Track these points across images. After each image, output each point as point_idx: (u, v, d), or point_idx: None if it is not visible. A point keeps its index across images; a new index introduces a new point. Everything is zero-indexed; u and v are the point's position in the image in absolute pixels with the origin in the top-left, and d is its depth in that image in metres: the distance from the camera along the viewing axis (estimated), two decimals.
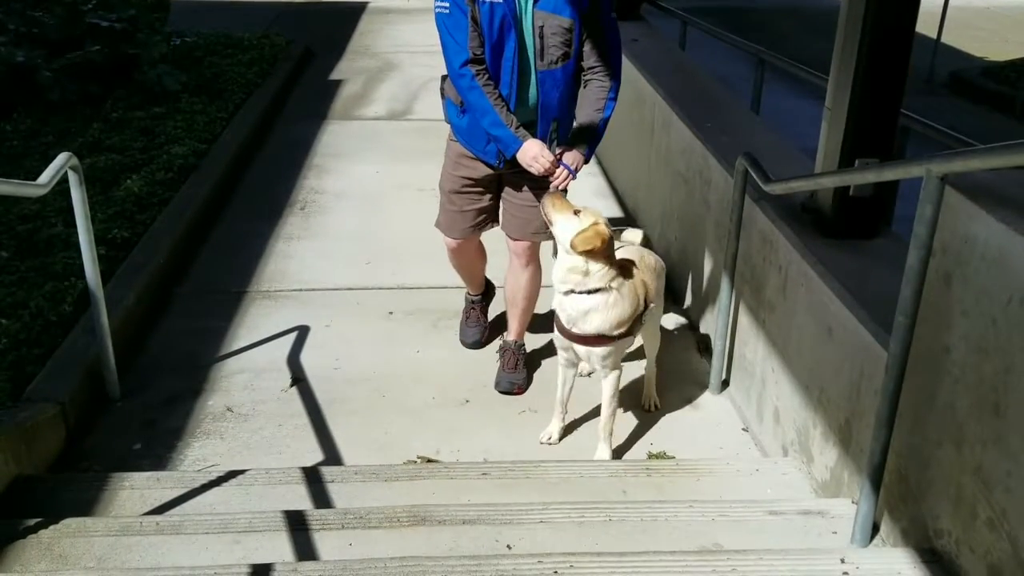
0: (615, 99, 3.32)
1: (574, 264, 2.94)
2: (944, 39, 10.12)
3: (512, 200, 3.54)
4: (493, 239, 3.79)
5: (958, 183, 2.12)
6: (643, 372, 3.65)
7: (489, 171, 3.44)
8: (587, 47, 3.24)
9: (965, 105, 9.47)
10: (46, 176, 3.10)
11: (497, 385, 3.75)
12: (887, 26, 2.87)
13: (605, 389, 3.19)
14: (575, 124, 3.36)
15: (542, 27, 3.13)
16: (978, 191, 2.08)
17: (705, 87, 5.04)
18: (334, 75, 8.98)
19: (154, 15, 7.96)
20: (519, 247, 3.60)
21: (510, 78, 3.19)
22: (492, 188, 3.56)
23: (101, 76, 6.98)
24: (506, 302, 3.79)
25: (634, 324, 3.09)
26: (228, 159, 6.16)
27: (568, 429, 3.45)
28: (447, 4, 3.11)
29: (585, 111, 3.32)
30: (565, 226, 2.94)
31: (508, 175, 3.45)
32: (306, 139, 7.02)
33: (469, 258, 3.83)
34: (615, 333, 3.02)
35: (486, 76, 3.16)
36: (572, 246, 2.90)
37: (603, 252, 2.93)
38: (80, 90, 6.78)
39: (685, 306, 4.39)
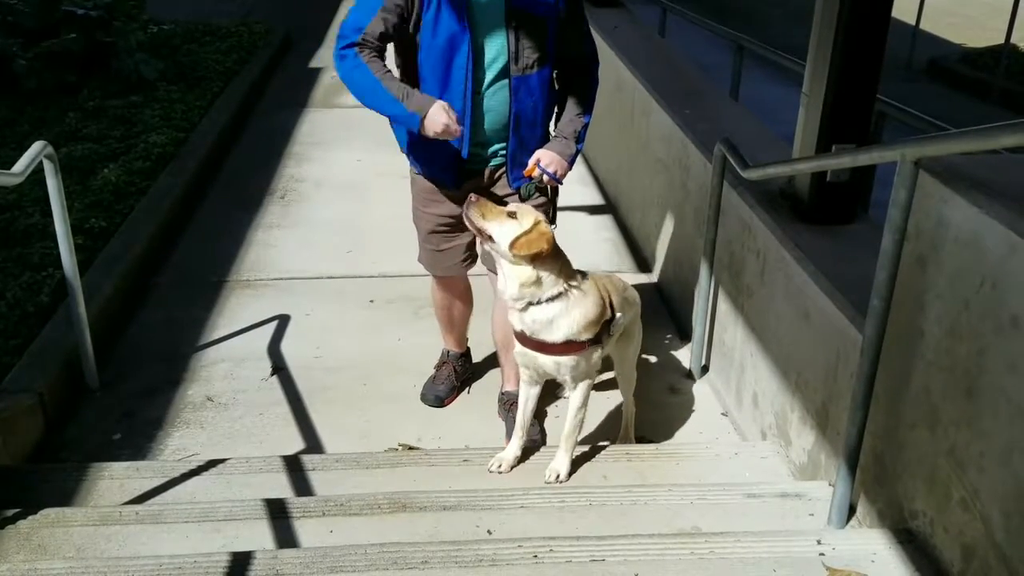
0: (592, 105, 3.03)
1: (524, 276, 2.60)
2: (922, 26, 10.18)
3: None
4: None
5: (932, 167, 2.13)
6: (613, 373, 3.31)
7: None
8: (564, 54, 2.92)
9: (943, 91, 9.54)
10: (21, 165, 3.07)
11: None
12: (863, 12, 2.88)
13: (573, 400, 2.87)
14: (557, 129, 3.02)
15: (516, 26, 2.77)
16: (952, 175, 2.09)
17: (685, 74, 5.05)
18: (314, 62, 8.92)
19: (130, 2, 7.89)
20: None
21: (463, 88, 2.78)
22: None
23: (77, 64, 6.92)
24: (499, 350, 3.42)
25: (602, 331, 2.77)
26: (207, 148, 6.12)
27: (550, 415, 3.45)
28: None
29: (567, 115, 3.00)
30: (503, 233, 2.59)
31: None
32: (286, 127, 6.98)
33: (451, 300, 3.44)
34: (584, 337, 2.70)
35: (371, 54, 2.75)
36: (516, 253, 2.57)
37: (552, 253, 2.62)
38: (56, 79, 6.72)
39: (665, 292, 4.41)
